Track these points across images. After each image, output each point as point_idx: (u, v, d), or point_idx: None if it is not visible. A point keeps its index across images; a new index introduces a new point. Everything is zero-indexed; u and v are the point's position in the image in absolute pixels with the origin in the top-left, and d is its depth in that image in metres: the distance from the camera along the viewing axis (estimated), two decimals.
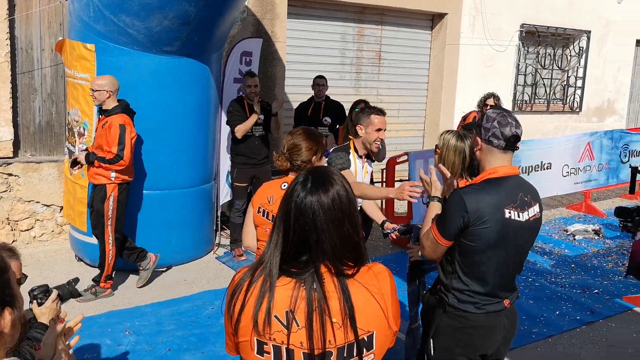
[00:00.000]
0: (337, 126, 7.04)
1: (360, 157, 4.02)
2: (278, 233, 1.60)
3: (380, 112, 3.95)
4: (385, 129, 4.04)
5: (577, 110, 11.51)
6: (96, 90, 4.93)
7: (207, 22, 5.27)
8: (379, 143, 3.98)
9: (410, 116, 9.75)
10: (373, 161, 4.33)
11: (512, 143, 2.41)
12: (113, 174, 4.99)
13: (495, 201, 2.37)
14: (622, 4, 11.49)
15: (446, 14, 9.38)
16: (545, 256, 6.63)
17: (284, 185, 2.81)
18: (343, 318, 1.50)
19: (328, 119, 6.94)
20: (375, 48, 9.18)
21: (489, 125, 2.43)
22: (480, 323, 2.48)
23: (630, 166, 3.89)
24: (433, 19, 9.62)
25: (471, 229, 2.36)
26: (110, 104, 4.96)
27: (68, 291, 2.51)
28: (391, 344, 1.67)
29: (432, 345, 2.57)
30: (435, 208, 2.62)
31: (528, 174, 8.03)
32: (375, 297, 1.56)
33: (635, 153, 8.90)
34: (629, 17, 11.64)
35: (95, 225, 5.12)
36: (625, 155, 8.82)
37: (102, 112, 5.02)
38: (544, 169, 8.12)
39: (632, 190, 3.86)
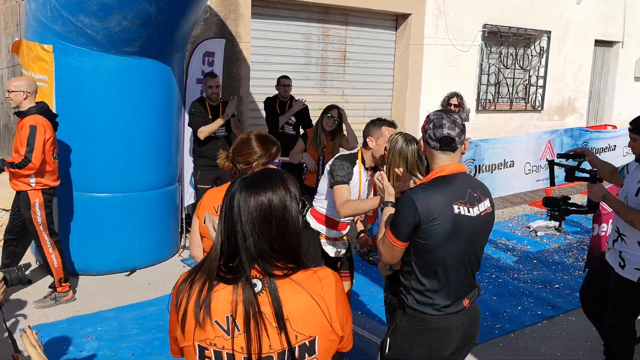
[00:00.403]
0: (301, 127, 7.03)
1: (367, 169, 3.83)
2: (220, 232, 1.58)
3: (392, 124, 3.77)
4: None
5: (539, 108, 11.74)
6: (12, 92, 4.69)
7: (168, 23, 5.21)
8: None
9: (376, 116, 9.64)
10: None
11: (445, 144, 2.43)
12: (33, 180, 4.75)
13: (444, 198, 2.40)
14: (580, 5, 11.77)
15: (410, 14, 9.46)
16: (509, 252, 6.74)
17: None
18: (278, 323, 1.49)
19: (293, 119, 6.92)
20: (340, 48, 9.21)
21: (427, 127, 2.48)
22: (438, 325, 2.50)
23: (547, 160, 4.01)
24: (397, 19, 9.70)
25: (423, 228, 2.38)
26: (26, 105, 4.72)
27: (17, 276, 2.44)
28: (345, 349, 1.66)
29: (388, 343, 2.57)
30: (390, 213, 2.64)
31: (492, 172, 8.17)
32: (316, 301, 1.53)
33: (595, 150, 9.12)
34: (587, 18, 11.93)
35: (18, 231, 4.98)
36: None
37: (18, 114, 4.79)
38: (507, 167, 8.27)
39: (552, 182, 3.97)
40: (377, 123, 3.73)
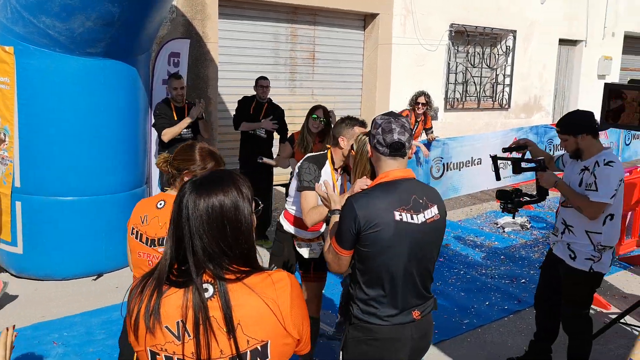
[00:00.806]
0: (277, 131, 6.94)
1: (337, 169, 3.71)
2: (170, 236, 1.56)
3: (363, 124, 3.65)
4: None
5: (506, 107, 11.93)
6: None
7: (132, 23, 5.16)
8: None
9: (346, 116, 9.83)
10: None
11: (395, 150, 2.38)
12: None
13: (385, 204, 2.33)
14: (545, 5, 12.00)
15: (377, 14, 9.53)
16: (477, 249, 6.84)
17: (161, 204, 2.55)
18: (228, 328, 1.47)
19: (274, 122, 6.71)
20: (309, 48, 9.22)
21: (375, 132, 2.41)
22: (384, 335, 2.41)
23: (490, 155, 4.09)
24: (365, 19, 9.76)
25: (363, 235, 2.31)
26: None
27: None
28: (303, 351, 1.65)
29: (341, 356, 2.51)
30: (335, 221, 2.56)
31: (460, 170, 8.28)
32: (268, 305, 1.51)
33: (559, 147, 9.30)
34: (551, 18, 12.17)
35: None
36: (551, 150, 9.21)
37: None
38: (475, 165, 8.38)
39: (497, 177, 4.05)
40: (349, 122, 3.62)
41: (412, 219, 2.36)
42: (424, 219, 2.39)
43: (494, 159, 4.05)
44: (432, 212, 2.43)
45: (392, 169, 2.42)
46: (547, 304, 4.00)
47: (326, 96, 9.45)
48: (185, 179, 2.44)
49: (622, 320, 4.55)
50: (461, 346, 4.49)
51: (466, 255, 6.57)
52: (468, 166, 8.25)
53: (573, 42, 13.10)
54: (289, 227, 3.85)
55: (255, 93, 6.76)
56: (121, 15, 4.96)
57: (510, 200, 3.81)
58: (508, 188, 3.93)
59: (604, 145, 3.71)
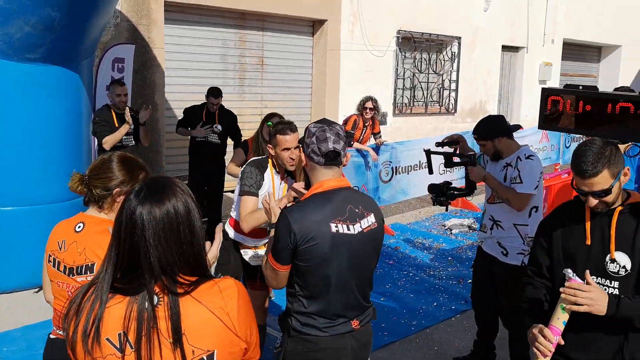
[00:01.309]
0: (230, 137, 6.89)
1: (279, 172, 3.67)
2: (111, 247, 1.52)
3: (285, 130, 3.51)
4: (298, 146, 3.55)
5: (453, 111, 12.20)
6: None
7: (73, 28, 5.04)
8: (292, 161, 3.55)
9: (295, 121, 9.77)
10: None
11: (331, 159, 2.35)
12: None
13: (320, 217, 2.30)
14: (487, 12, 12.34)
15: (326, 20, 9.60)
16: (425, 251, 6.96)
17: (79, 227, 2.29)
18: (174, 339, 1.45)
19: (219, 127, 6.71)
20: (257, 54, 9.21)
21: (309, 140, 2.37)
22: (324, 346, 2.38)
23: (424, 149, 4.22)
24: (314, 25, 9.82)
25: (300, 249, 2.27)
26: None
27: None
28: (253, 359, 1.65)
29: None
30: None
31: (408, 174, 8.41)
32: (215, 314, 1.50)
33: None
34: (494, 25, 12.53)
35: None
36: None
37: None
38: (423, 168, 8.52)
39: (430, 171, 4.18)
40: (273, 130, 3.57)
41: (348, 229, 2.34)
42: (360, 229, 2.38)
43: (428, 153, 4.15)
44: (369, 221, 2.42)
45: (326, 178, 2.39)
46: (483, 302, 4.12)
47: (276, 101, 9.46)
48: (119, 199, 2.26)
49: None
50: (410, 347, 4.56)
51: (415, 258, 6.68)
52: (416, 170, 8.39)
53: (515, 49, 13.52)
54: (234, 235, 3.81)
55: (205, 101, 6.74)
56: (62, 20, 4.84)
57: (442, 193, 3.92)
58: (439, 182, 4.03)
59: (527, 145, 3.92)
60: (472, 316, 5.11)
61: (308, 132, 2.41)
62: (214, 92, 6.66)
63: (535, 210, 3.77)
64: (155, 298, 1.47)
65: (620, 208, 2.36)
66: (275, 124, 3.66)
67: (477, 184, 4.04)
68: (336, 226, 2.31)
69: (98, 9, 5.16)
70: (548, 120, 4.84)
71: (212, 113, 6.71)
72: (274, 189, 3.69)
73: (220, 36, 8.71)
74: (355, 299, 2.43)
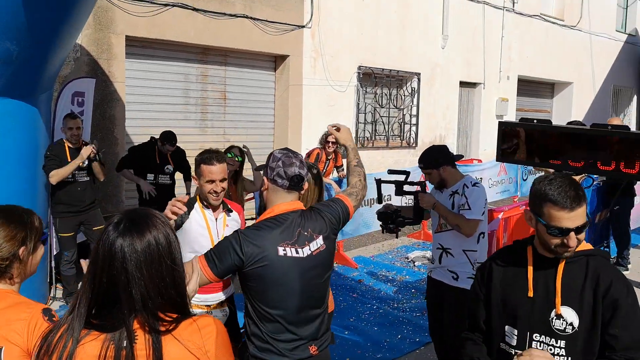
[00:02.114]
0: (179, 171, 6.83)
1: (208, 207, 3.33)
2: (86, 281, 1.48)
3: (211, 160, 3.23)
4: (224, 179, 3.29)
5: (414, 145, 12.40)
6: None
7: (32, 62, 4.96)
8: (215, 196, 3.26)
9: (257, 155, 9.79)
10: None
11: (295, 183, 2.44)
12: None
13: (268, 241, 2.35)
14: (445, 49, 12.71)
15: (288, 55, 9.72)
16: (389, 283, 6.97)
17: None
18: None
19: (170, 167, 6.63)
20: (220, 88, 9.23)
21: (274, 164, 2.44)
22: None
23: (375, 179, 4.27)
24: (276, 61, 9.92)
25: (249, 270, 2.32)
26: None
27: None
28: None
29: None
30: None
31: (371, 206, 8.46)
32: (194, 353, 1.47)
33: None
34: (452, 61, 12.90)
35: None
36: None
37: None
38: (385, 200, 8.59)
39: (379, 200, 4.22)
40: (198, 159, 3.31)
41: (297, 252, 2.38)
42: (309, 252, 2.41)
43: (378, 182, 4.19)
44: (318, 243, 2.45)
45: (284, 202, 2.45)
46: (439, 332, 4.13)
47: (238, 135, 9.45)
48: (17, 266, 1.96)
49: None
50: None
51: (379, 290, 6.68)
52: (377, 202, 8.45)
53: (472, 85, 13.91)
54: None
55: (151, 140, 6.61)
56: (20, 54, 4.77)
57: (391, 220, 3.91)
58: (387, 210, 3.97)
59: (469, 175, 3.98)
60: None
61: (273, 157, 2.47)
62: (170, 139, 6.47)
63: (483, 236, 3.88)
64: (132, 335, 1.43)
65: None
66: (201, 153, 3.35)
67: (424, 213, 4.11)
68: (284, 250, 2.36)
69: (58, 44, 5.11)
70: (505, 152, 4.98)
71: (165, 155, 6.61)
72: (207, 225, 3.32)
73: (182, 71, 8.71)
74: (312, 323, 2.45)
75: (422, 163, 3.96)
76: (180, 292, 1.52)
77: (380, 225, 4.00)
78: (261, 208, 2.78)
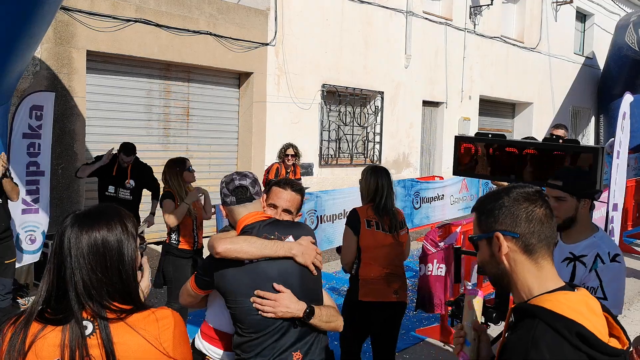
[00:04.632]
0: (147, 188, 6.69)
1: None
2: (49, 271, 1.53)
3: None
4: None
5: (377, 163, 12.52)
6: None
7: None
8: None
9: (221, 171, 9.82)
10: None
11: (241, 193, 2.47)
12: None
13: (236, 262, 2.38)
14: (408, 69, 12.94)
15: (252, 73, 9.77)
16: None
17: None
18: None
19: (132, 183, 6.48)
20: (183, 104, 9.21)
21: (220, 190, 2.54)
22: None
23: (453, 248, 3.93)
24: (240, 78, 9.96)
25: (221, 289, 2.43)
26: None
27: None
28: None
29: None
30: None
31: (333, 222, 8.50)
32: (150, 342, 1.51)
33: (425, 199, 9.88)
34: (415, 80, 13.13)
35: None
36: (417, 202, 9.75)
37: None
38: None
39: (457, 278, 4.00)
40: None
41: (266, 258, 2.38)
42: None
43: (457, 252, 3.51)
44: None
45: (241, 217, 2.49)
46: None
47: (201, 152, 9.43)
48: None
49: None
50: None
51: (339, 306, 6.66)
52: (340, 218, 8.49)
53: (435, 104, 14.17)
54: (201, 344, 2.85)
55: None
56: None
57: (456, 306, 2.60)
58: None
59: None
60: (410, 352, 5.16)
61: (220, 183, 2.57)
62: (127, 150, 6.35)
63: None
64: (91, 326, 1.47)
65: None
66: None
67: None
68: (250, 260, 2.37)
69: (13, 57, 5.04)
70: (461, 167, 5.08)
71: (124, 168, 6.47)
72: None
73: (145, 86, 8.68)
74: (295, 328, 2.41)
75: (561, 179, 2.79)
76: (125, 288, 1.56)
77: (450, 311, 2.71)
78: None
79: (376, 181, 4.05)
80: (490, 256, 1.64)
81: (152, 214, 6.70)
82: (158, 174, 6.59)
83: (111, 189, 6.40)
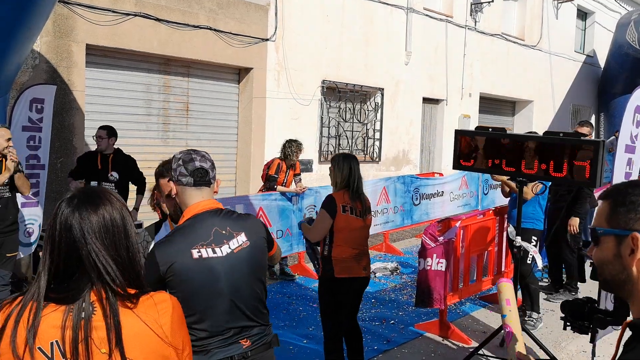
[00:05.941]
0: (132, 182, 6.62)
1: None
2: (45, 255, 1.52)
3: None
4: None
5: (377, 159, 12.51)
6: None
7: None
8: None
9: (221, 167, 9.75)
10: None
11: (200, 177, 2.37)
12: None
13: (181, 246, 2.30)
14: (409, 66, 12.92)
15: (251, 68, 9.74)
16: None
17: None
18: (112, 349, 1.44)
19: (115, 175, 6.40)
20: (182, 99, 9.19)
21: (176, 165, 2.40)
22: None
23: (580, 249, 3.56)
24: (239, 73, 9.93)
25: (168, 281, 2.27)
26: None
27: None
28: None
29: None
30: None
31: None
32: (150, 326, 1.51)
33: (424, 196, 9.86)
34: (415, 77, 13.11)
35: None
36: (417, 198, 9.73)
37: None
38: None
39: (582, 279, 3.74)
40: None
41: (214, 252, 2.32)
42: (229, 250, 2.36)
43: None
44: (239, 240, 2.40)
45: (195, 201, 2.39)
46: None
47: (201, 147, 9.32)
48: None
49: (479, 352, 4.81)
50: None
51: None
52: None
53: (435, 101, 14.15)
54: None
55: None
56: None
57: (583, 315, 2.36)
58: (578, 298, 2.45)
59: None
60: (394, 355, 5.18)
61: (174, 159, 2.44)
62: (104, 127, 6.39)
63: None
64: (90, 307, 1.47)
65: None
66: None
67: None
68: (199, 252, 2.31)
69: (12, 50, 5.02)
70: (461, 161, 5.07)
71: (105, 157, 6.38)
72: None
73: (144, 81, 8.65)
74: (244, 319, 2.40)
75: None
76: (134, 266, 1.56)
77: (567, 321, 2.42)
78: (176, 216, 2.70)
79: (349, 166, 4.32)
80: (614, 256, 1.36)
81: (136, 209, 6.61)
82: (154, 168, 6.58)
83: (94, 183, 6.25)
